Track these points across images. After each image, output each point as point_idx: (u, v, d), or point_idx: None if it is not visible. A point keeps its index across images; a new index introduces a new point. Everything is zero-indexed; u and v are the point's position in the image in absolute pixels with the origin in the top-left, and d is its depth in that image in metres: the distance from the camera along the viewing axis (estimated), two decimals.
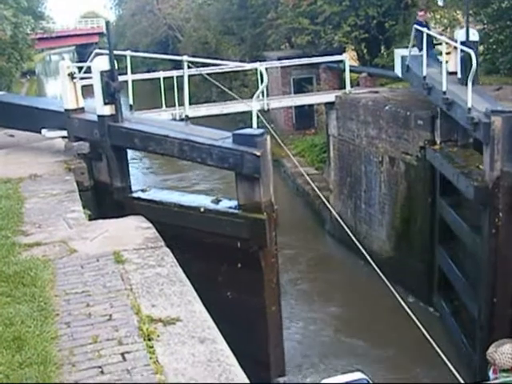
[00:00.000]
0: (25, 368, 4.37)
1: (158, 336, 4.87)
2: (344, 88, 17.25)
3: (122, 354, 4.61)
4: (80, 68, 11.44)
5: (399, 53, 15.93)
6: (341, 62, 18.03)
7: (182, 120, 13.97)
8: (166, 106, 15.05)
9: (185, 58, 12.09)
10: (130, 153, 12.19)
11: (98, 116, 10.38)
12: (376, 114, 15.15)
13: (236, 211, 9.23)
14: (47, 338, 4.80)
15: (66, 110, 11.13)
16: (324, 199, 11.02)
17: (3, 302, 5.40)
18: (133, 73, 13.80)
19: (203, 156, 9.28)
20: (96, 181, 10.65)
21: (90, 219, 8.21)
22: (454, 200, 12.61)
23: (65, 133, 11.33)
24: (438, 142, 13.05)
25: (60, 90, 12.23)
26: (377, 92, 16.69)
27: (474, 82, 12.07)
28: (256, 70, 16.73)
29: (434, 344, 7.33)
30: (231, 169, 9.25)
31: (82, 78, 11.29)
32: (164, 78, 15.43)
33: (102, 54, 10.56)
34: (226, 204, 9.56)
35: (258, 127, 9.66)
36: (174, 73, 15.04)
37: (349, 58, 18.02)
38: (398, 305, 8.10)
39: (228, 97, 15.04)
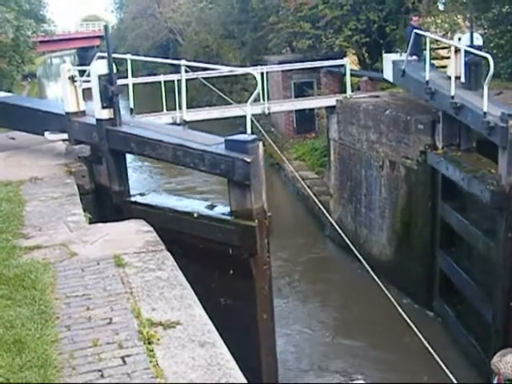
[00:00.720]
0: (25, 371, 4.38)
1: (158, 339, 4.87)
2: (345, 92, 17.27)
3: (122, 358, 4.61)
4: (82, 71, 11.46)
5: (389, 57, 15.99)
6: (342, 66, 18.05)
7: (185, 123, 13.98)
8: (167, 110, 15.06)
9: (182, 62, 12.07)
10: (136, 155, 12.14)
11: (97, 120, 10.37)
12: (376, 119, 15.16)
13: (228, 218, 9.11)
14: (47, 341, 4.80)
15: (66, 113, 11.15)
16: (321, 206, 10.96)
17: (4, 305, 5.40)
18: (134, 76, 13.80)
19: (196, 161, 9.16)
20: (96, 184, 10.64)
21: (91, 222, 8.21)
22: (459, 204, 12.62)
23: (66, 136, 11.35)
24: (440, 146, 13.05)
25: (61, 93, 12.24)
26: (377, 96, 16.70)
27: (478, 86, 12.13)
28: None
29: (428, 346, 7.32)
30: (223, 175, 9.12)
31: (83, 81, 11.30)
32: (165, 82, 15.45)
33: (104, 57, 10.57)
34: (219, 210, 9.44)
35: (260, 131, 9.58)
36: (175, 76, 15.06)
37: (350, 62, 18.03)
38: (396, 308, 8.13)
39: (227, 101, 15.05)
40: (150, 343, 4.81)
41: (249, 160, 8.60)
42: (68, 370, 4.47)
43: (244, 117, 9.82)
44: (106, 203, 10.40)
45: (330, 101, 17.30)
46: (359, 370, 11.98)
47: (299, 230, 19.26)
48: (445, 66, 16.38)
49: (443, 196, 13.08)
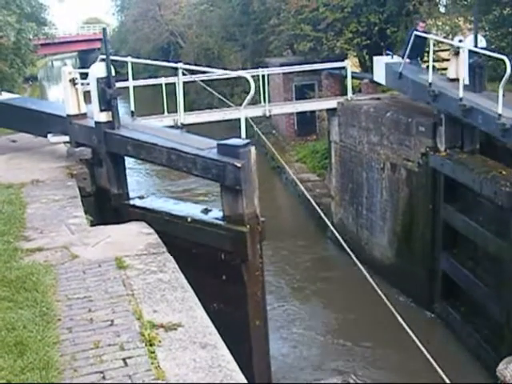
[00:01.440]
0: (27, 373, 4.38)
1: (160, 341, 4.88)
2: (346, 94, 17.28)
3: (124, 360, 4.62)
4: (83, 74, 11.47)
5: (381, 60, 16.02)
6: (343, 68, 18.06)
7: (183, 126, 14.00)
8: (168, 112, 15.08)
9: (179, 65, 12.08)
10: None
11: (95, 122, 10.38)
12: (377, 121, 15.18)
13: (221, 223, 9.03)
14: (49, 343, 4.81)
15: (67, 115, 11.17)
16: (318, 208, 10.91)
17: (5, 307, 5.41)
18: (135, 79, 13.82)
19: (189, 166, 9.11)
20: (97, 187, 10.64)
21: (92, 225, 8.22)
22: (464, 206, 12.62)
23: (68, 138, 11.37)
24: (443, 148, 13.06)
25: (62, 96, 12.26)
26: (378, 98, 16.72)
27: (482, 88, 12.15)
28: (257, 76, 16.80)
29: (421, 346, 7.31)
30: (215, 180, 9.04)
31: (83, 84, 11.32)
32: (166, 84, 15.47)
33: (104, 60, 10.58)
34: (213, 215, 9.36)
35: (261, 133, 9.52)
36: (176, 79, 15.07)
37: (351, 65, 18.04)
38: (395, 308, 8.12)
39: (228, 103, 15.09)
40: (151, 345, 4.81)
41: (239, 165, 8.49)
42: (70, 371, 4.48)
43: (245, 119, 9.77)
44: (106, 206, 10.40)
45: (331, 103, 17.33)
46: (359, 369, 12.01)
47: (301, 231, 19.26)
48: (443, 69, 16.41)
49: (445, 198, 13.07)
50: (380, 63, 15.93)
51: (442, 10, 22.10)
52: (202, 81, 14.80)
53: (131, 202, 10.37)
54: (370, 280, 8.25)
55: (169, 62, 14.80)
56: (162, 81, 15.58)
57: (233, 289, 8.88)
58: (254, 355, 9.06)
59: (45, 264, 6.47)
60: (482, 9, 17.23)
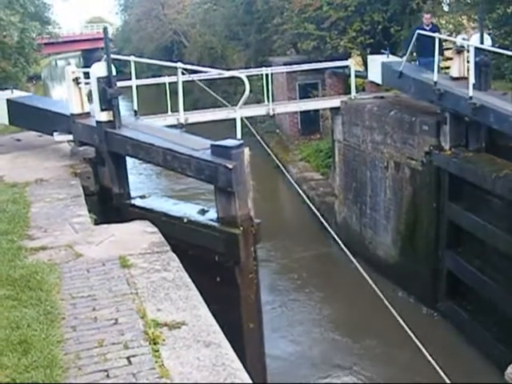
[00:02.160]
0: (31, 371, 4.39)
1: (164, 340, 4.89)
2: (349, 93, 17.25)
3: (128, 358, 4.63)
4: (86, 73, 11.48)
5: (377, 59, 15.97)
6: (346, 67, 18.05)
7: (182, 126, 13.99)
8: (172, 111, 15.07)
9: (178, 64, 12.09)
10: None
11: (97, 122, 10.39)
12: (381, 120, 15.16)
13: (215, 224, 8.93)
14: (53, 341, 4.82)
15: (71, 114, 11.19)
16: (318, 213, 10.90)
17: (10, 306, 5.42)
18: (139, 78, 13.81)
19: (183, 166, 9.03)
20: (101, 186, 10.65)
21: (96, 224, 8.23)
22: (469, 204, 12.61)
23: (72, 137, 11.41)
24: (447, 147, 13.03)
25: (66, 95, 12.29)
26: (382, 97, 16.69)
27: (488, 87, 12.11)
28: (261, 75, 16.80)
29: (418, 343, 7.31)
30: (208, 181, 8.94)
31: (87, 83, 11.34)
32: (169, 83, 15.45)
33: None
34: (209, 216, 9.25)
35: (266, 132, 9.46)
36: (179, 78, 15.04)
37: (354, 64, 18.01)
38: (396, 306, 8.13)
39: (232, 103, 15.03)
40: (155, 344, 4.82)
41: (230, 166, 8.35)
42: (74, 370, 4.49)
43: (246, 119, 9.73)
44: (109, 205, 10.41)
45: (335, 102, 17.29)
46: (361, 367, 12.03)
47: (304, 229, 19.23)
48: (446, 68, 16.38)
49: (450, 196, 13.05)
50: (375, 62, 15.89)
51: (446, 8, 22.06)
52: (205, 80, 14.78)
53: (132, 202, 10.35)
54: (367, 277, 8.27)
55: (172, 61, 14.73)
56: (165, 80, 15.57)
57: (226, 291, 8.72)
58: (248, 358, 8.92)
59: (49, 263, 6.49)
60: (485, 7, 17.19)
